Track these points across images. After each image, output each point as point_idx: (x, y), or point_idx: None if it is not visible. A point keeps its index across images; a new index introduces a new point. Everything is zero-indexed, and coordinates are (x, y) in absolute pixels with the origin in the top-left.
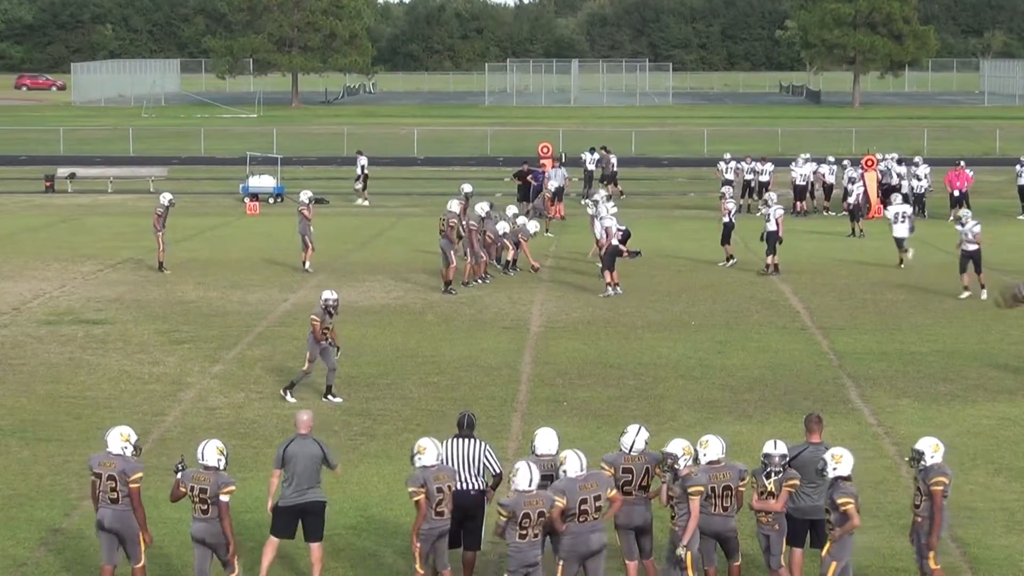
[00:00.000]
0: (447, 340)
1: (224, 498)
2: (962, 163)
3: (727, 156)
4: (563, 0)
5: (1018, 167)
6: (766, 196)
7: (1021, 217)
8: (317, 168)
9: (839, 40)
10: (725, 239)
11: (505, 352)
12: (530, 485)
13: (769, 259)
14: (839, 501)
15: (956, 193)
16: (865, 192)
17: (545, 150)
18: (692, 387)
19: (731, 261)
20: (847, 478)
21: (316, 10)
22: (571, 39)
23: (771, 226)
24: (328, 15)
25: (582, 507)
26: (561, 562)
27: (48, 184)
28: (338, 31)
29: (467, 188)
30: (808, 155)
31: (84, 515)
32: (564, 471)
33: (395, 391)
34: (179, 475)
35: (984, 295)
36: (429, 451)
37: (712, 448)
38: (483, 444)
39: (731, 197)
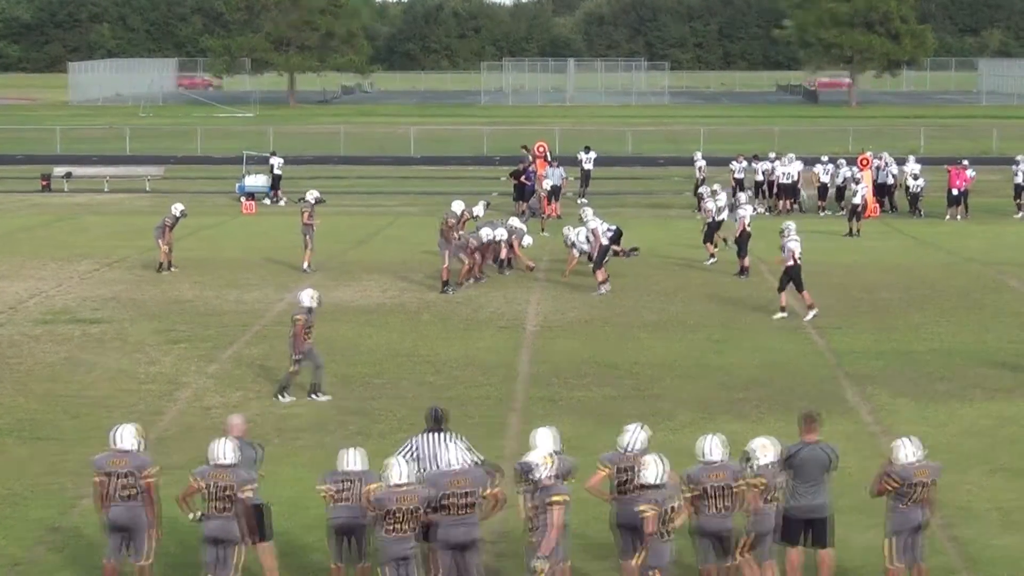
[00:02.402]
0: (443, 339)
1: (245, 495)
2: (965, 162)
3: (697, 155)
4: None
5: (1014, 166)
6: (736, 196)
7: (1017, 216)
8: (314, 167)
9: (836, 39)
10: (708, 238)
11: (501, 351)
12: (401, 478)
13: (742, 261)
14: (638, 508)
15: (955, 192)
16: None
17: (541, 149)
18: (689, 386)
19: (713, 259)
20: (653, 486)
21: (313, 9)
22: (568, 38)
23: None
24: (325, 14)
25: (443, 501)
26: (434, 552)
27: (44, 183)
28: (335, 30)
29: (478, 211)
30: (792, 155)
31: (81, 514)
32: (445, 463)
33: (391, 390)
34: (193, 476)
35: (812, 315)
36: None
37: (713, 449)
38: (455, 437)
39: (710, 197)
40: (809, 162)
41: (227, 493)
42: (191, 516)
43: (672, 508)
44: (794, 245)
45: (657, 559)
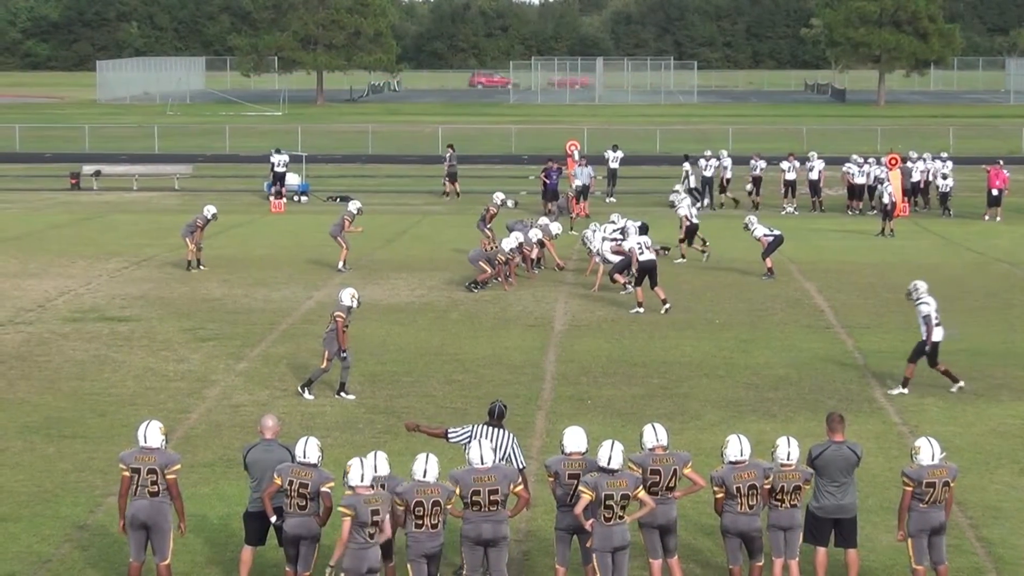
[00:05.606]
0: (471, 338)
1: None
2: (1000, 162)
3: (704, 154)
4: None
5: None
6: (746, 220)
7: None
8: (342, 166)
9: (864, 38)
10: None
11: (529, 350)
12: (425, 476)
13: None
14: (579, 488)
15: (995, 192)
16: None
17: (572, 148)
18: (716, 386)
19: (705, 255)
20: (606, 470)
21: (341, 8)
22: (596, 37)
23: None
24: (353, 13)
25: (474, 498)
26: (463, 548)
27: (73, 181)
28: (363, 29)
29: (503, 198)
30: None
31: (109, 511)
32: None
33: (419, 389)
34: (276, 474)
35: (664, 309)
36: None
37: (732, 448)
38: (511, 436)
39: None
40: (836, 161)
41: (306, 491)
42: (273, 520)
43: (624, 496)
44: (619, 243)
45: (601, 542)
